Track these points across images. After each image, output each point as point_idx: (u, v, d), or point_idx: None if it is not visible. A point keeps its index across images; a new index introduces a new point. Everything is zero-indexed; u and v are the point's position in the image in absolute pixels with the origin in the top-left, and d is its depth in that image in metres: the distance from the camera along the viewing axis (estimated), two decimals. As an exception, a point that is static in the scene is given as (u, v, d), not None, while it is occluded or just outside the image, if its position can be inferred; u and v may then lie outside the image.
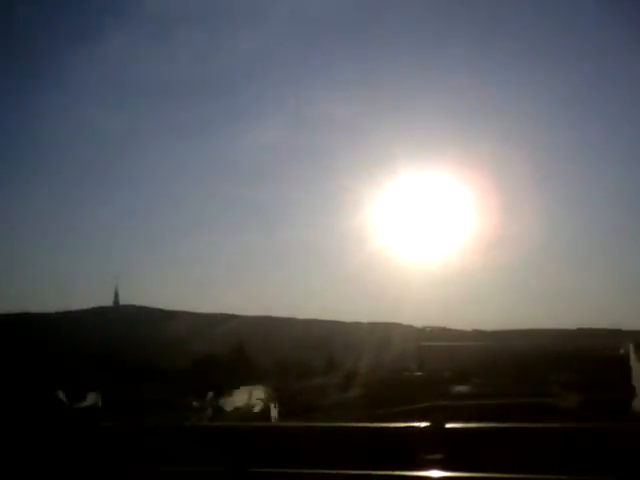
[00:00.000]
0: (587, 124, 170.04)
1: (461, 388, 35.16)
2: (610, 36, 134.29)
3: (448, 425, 8.39)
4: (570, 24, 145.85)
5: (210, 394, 16.15)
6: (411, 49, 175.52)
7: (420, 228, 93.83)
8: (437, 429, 8.27)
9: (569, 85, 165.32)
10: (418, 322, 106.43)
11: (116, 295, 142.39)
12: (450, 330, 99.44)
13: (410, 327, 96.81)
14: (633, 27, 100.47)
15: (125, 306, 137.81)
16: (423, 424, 8.45)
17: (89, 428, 10.66)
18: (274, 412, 14.91)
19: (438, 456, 7.86)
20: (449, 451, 7.91)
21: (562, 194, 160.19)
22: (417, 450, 8.02)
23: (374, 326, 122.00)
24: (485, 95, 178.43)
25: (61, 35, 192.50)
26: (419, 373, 41.13)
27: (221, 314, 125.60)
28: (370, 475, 8.09)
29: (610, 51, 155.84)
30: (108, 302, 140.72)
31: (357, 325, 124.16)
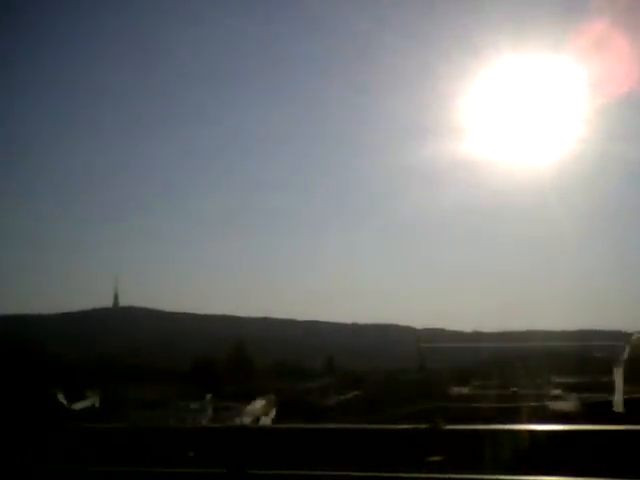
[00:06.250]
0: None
1: (461, 390, 35.05)
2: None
3: (447, 427, 8.38)
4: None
5: (209, 396, 16.09)
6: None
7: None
8: (436, 431, 8.26)
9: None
10: (417, 323, 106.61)
11: (116, 296, 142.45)
12: (450, 331, 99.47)
13: (409, 328, 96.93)
14: None
15: (125, 307, 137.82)
16: (422, 426, 8.44)
17: (87, 429, 10.63)
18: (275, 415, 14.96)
19: (437, 458, 7.84)
20: (448, 453, 7.89)
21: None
22: (416, 452, 8.00)
23: (374, 327, 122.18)
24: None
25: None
26: (419, 374, 41.08)
27: (221, 315, 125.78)
28: (370, 476, 8.06)
29: None
30: (108, 303, 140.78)
31: (356, 326, 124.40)
